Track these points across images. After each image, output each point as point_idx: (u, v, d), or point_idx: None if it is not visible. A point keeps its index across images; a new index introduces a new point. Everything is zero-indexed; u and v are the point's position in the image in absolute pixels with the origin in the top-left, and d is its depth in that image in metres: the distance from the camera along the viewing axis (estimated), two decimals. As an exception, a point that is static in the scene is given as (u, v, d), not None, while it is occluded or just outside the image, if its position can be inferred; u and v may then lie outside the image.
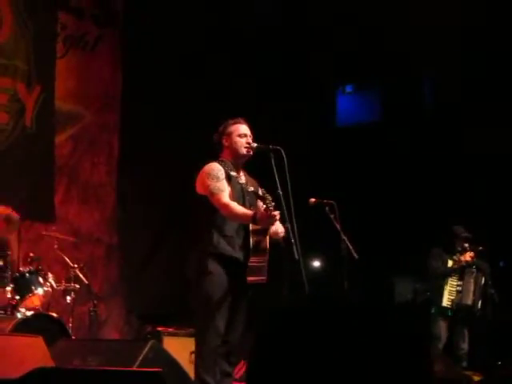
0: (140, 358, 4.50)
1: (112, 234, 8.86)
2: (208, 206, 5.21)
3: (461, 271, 8.22)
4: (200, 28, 9.04)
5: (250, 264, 5.18)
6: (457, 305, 8.17)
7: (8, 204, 7.23)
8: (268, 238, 5.25)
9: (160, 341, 7.17)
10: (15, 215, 6.69)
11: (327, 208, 5.93)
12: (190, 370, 5.48)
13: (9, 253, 6.80)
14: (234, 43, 9.18)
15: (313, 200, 5.99)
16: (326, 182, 8.74)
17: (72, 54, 8.86)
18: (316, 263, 9.76)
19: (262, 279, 5.22)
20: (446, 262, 8.24)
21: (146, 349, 4.53)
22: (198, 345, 5.28)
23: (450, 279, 8.24)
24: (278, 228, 5.26)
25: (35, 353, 4.28)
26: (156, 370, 3.37)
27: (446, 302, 8.20)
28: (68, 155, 8.71)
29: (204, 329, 5.17)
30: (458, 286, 8.20)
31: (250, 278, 5.16)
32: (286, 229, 5.17)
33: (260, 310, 5.25)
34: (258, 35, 9.18)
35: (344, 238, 5.86)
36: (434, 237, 8.30)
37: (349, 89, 10.32)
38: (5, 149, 8.12)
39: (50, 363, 4.27)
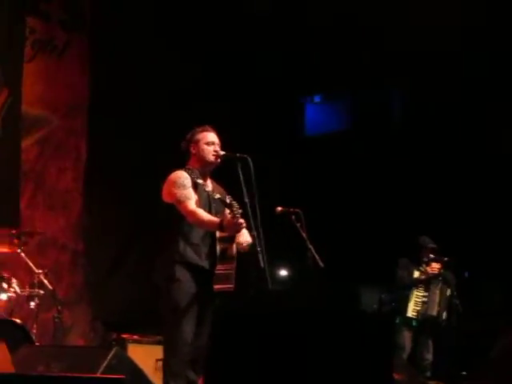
0: (103, 365, 4.47)
1: (78, 239, 8.80)
2: (174, 214, 5.21)
3: (427, 282, 8.27)
4: (168, 32, 9.03)
5: (216, 272, 5.18)
6: (422, 315, 8.23)
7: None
8: (235, 245, 5.25)
9: (125, 348, 7.13)
10: None
11: (293, 216, 5.94)
12: (156, 378, 5.46)
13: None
14: (201, 49, 9.18)
15: (279, 208, 5.99)
16: (293, 191, 8.76)
17: (40, 58, 8.80)
18: (282, 272, 9.77)
19: (230, 287, 5.21)
20: (413, 273, 8.29)
21: (110, 356, 4.50)
22: (165, 353, 5.26)
23: (416, 290, 8.29)
24: (244, 237, 5.26)
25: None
26: (119, 376, 3.35)
27: (411, 313, 8.25)
28: (34, 160, 8.64)
29: (172, 337, 5.15)
30: (423, 296, 8.26)
31: (216, 286, 5.15)
32: (253, 237, 5.17)
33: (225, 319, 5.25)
34: (228, 42, 9.20)
35: (310, 246, 5.86)
36: (400, 247, 8.35)
37: (317, 99, 10.37)
38: None
39: (11, 369, 4.23)
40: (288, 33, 9.12)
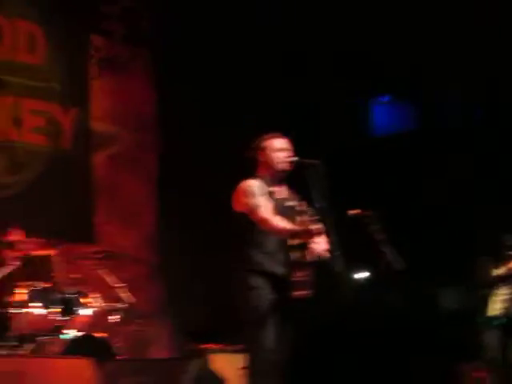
0: (187, 377, 4.51)
1: (154, 252, 8.88)
2: (247, 224, 5.20)
3: (509, 279, 8.10)
4: (231, 44, 9.04)
5: (293, 279, 5.16)
6: (506, 313, 8.06)
7: (48, 226, 7.32)
8: (310, 251, 5.23)
9: (207, 358, 7.17)
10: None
11: (367, 219, 5.88)
12: (240, 387, 5.48)
13: (53, 275, 6.87)
14: (260, 56, 9.16)
15: (352, 211, 5.94)
16: (363, 192, 8.67)
17: (106, 75, 8.95)
18: (360, 275, 9.68)
19: (307, 293, 5.20)
20: (493, 271, 8.13)
21: (193, 367, 4.54)
22: (248, 361, 5.26)
23: (498, 288, 8.13)
24: (319, 242, 5.23)
25: (83, 375, 4.30)
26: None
27: (493, 312, 8.09)
28: (107, 176, 8.76)
29: (253, 346, 5.15)
30: (506, 294, 8.09)
31: (294, 293, 5.14)
32: (329, 242, 5.14)
33: (306, 325, 5.24)
34: (293, 42, 9.14)
35: (386, 249, 5.80)
36: (479, 246, 8.20)
37: (385, 99, 10.26)
38: (44, 171, 8.20)
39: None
40: (355, 32, 9.04)
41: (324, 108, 9.42)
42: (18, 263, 6.44)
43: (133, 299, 7.02)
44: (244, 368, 5.57)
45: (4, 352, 5.74)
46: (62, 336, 6.26)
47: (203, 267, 8.64)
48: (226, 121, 8.86)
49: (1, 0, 8.17)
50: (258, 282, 5.15)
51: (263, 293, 5.12)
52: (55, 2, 8.53)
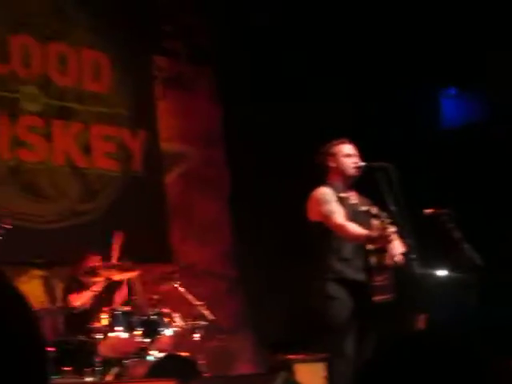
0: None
1: (232, 267, 8.91)
2: (323, 231, 5.19)
3: None
4: (299, 52, 8.98)
5: (373, 284, 5.12)
6: None
7: (125, 250, 7.40)
8: (387, 255, 5.18)
9: (292, 368, 7.14)
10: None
11: (443, 217, 5.78)
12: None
13: (134, 297, 6.94)
14: (330, 62, 9.08)
15: (428, 211, 5.85)
16: (437, 187, 8.53)
17: (171, 94, 9.02)
18: (440, 272, 9.51)
19: (388, 297, 5.15)
20: None
21: (278, 381, 4.51)
22: (329, 370, 5.25)
23: None
24: (396, 246, 5.17)
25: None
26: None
27: None
28: (179, 194, 8.83)
29: (334, 354, 5.14)
30: None
31: (376, 298, 5.10)
32: (406, 245, 5.09)
33: (387, 330, 5.17)
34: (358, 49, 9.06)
35: (465, 246, 5.69)
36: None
37: (452, 91, 10.09)
38: (117, 196, 8.30)
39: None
40: (422, 25, 8.92)
41: (391, 107, 9.31)
42: (99, 289, 6.52)
43: (214, 315, 7.03)
44: (326, 377, 5.55)
45: (91, 379, 5.81)
46: (146, 357, 6.30)
47: (281, 278, 8.61)
48: (293, 131, 8.82)
49: (65, 29, 8.30)
50: (337, 290, 5.14)
51: (341, 303, 5.10)
52: (117, 27, 8.64)
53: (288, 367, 6.99)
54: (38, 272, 7.59)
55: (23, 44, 7.99)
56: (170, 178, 8.83)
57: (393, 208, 5.07)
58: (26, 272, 7.53)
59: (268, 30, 8.96)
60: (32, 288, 7.42)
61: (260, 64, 8.93)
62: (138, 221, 8.15)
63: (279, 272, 8.54)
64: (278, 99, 8.84)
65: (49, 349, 5.94)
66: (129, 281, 7.08)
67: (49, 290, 7.51)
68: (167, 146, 8.86)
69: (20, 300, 1.03)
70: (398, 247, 5.19)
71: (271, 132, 8.78)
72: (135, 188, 8.41)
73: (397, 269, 5.22)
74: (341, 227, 5.13)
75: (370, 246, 5.16)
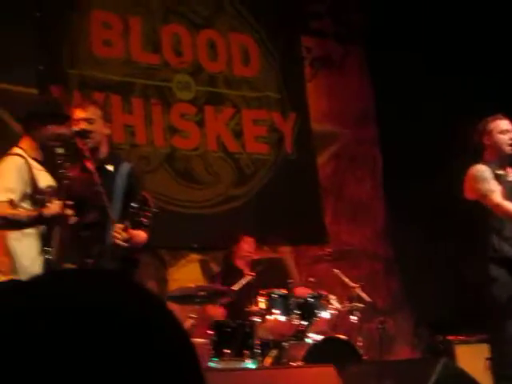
0: (433, 378, 4.39)
1: (387, 247, 8.81)
2: (482, 210, 5.05)
3: None
4: (450, 25, 8.72)
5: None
6: None
7: (280, 232, 7.46)
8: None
9: (452, 350, 7.00)
10: None
11: None
12: (486, 377, 5.31)
13: (290, 281, 6.98)
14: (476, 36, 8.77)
15: None
16: None
17: (320, 75, 8.99)
18: None
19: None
20: None
21: (439, 367, 4.40)
22: (492, 353, 5.12)
23: None
24: None
25: (328, 382, 4.31)
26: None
27: None
28: (332, 175, 8.80)
29: (497, 337, 5.00)
30: None
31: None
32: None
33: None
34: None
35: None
36: None
37: None
38: (269, 179, 8.35)
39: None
40: None
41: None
42: (255, 272, 6.59)
43: (371, 296, 6.97)
44: (489, 359, 5.40)
45: (250, 361, 5.88)
46: (304, 340, 6.32)
47: (437, 257, 8.44)
48: (447, 106, 8.58)
49: (213, 16, 8.42)
50: (497, 271, 4.99)
51: (504, 283, 4.95)
52: (263, 10, 8.69)
53: (448, 348, 6.87)
54: (195, 256, 7.77)
55: (174, 33, 8.16)
56: (322, 159, 8.82)
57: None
58: (184, 256, 7.73)
59: (419, 2, 8.74)
60: (190, 271, 7.61)
61: (411, 39, 8.73)
62: (291, 203, 8.19)
63: (435, 250, 8.37)
64: (429, 73, 8.63)
65: (209, 332, 6.08)
66: (285, 264, 7.13)
67: (206, 273, 7.67)
68: (318, 126, 8.85)
69: (167, 313, 1.02)
70: None
71: (423, 108, 8.58)
72: (287, 170, 8.44)
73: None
74: (498, 206, 4.98)
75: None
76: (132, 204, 4.59)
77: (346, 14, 9.22)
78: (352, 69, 9.10)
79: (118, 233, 4.58)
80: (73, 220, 4.55)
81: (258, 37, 8.65)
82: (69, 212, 4.48)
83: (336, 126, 8.97)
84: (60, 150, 4.65)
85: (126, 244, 4.61)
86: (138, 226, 4.66)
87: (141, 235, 4.82)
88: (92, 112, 5.05)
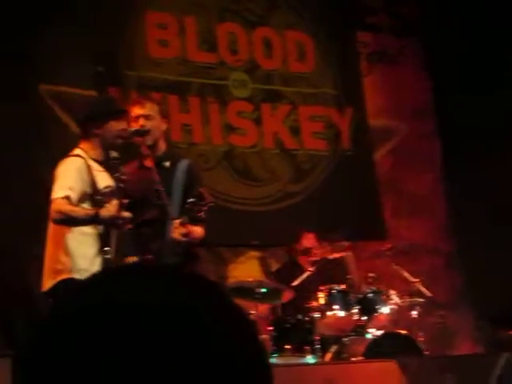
0: (495, 373, 4.35)
1: (448, 241, 8.71)
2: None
3: None
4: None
5: None
6: None
7: (339, 228, 7.44)
8: None
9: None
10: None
11: None
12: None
13: (349, 276, 6.97)
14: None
15: None
16: None
17: (377, 69, 8.94)
18: None
19: None
20: None
21: (502, 362, 4.36)
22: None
23: None
24: None
25: (390, 377, 4.30)
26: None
27: None
28: (390, 170, 8.74)
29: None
30: None
31: None
32: None
33: None
34: None
35: None
36: None
37: None
38: (327, 176, 8.34)
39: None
40: None
41: None
42: (314, 268, 6.59)
43: (431, 291, 6.91)
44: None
45: (310, 357, 5.89)
46: (364, 335, 6.31)
47: (500, 251, 8.32)
48: (507, 98, 8.45)
49: (268, 13, 8.44)
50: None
51: None
52: (317, 5, 8.68)
53: (511, 344, 6.77)
54: (254, 253, 7.80)
55: (230, 32, 8.20)
56: (380, 154, 8.77)
57: None
58: (243, 253, 7.76)
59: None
60: (249, 268, 7.64)
61: (468, 31, 8.62)
62: (349, 199, 8.17)
63: (498, 244, 8.25)
64: (488, 65, 8.52)
65: (268, 328, 6.11)
66: (343, 259, 7.11)
67: (265, 270, 7.69)
68: (375, 121, 8.80)
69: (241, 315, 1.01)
70: None
71: (482, 100, 8.46)
72: (345, 166, 8.42)
73: None
74: None
75: None
76: (189, 200, 4.63)
77: (402, 7, 9.14)
78: (408, 62, 9.02)
79: (177, 228, 4.63)
80: (128, 224, 4.60)
81: (313, 33, 8.64)
82: (125, 214, 4.53)
83: (393, 121, 8.91)
84: (114, 154, 4.73)
85: (184, 239, 4.66)
86: (195, 220, 4.70)
87: (198, 230, 4.87)
88: (149, 108, 5.12)
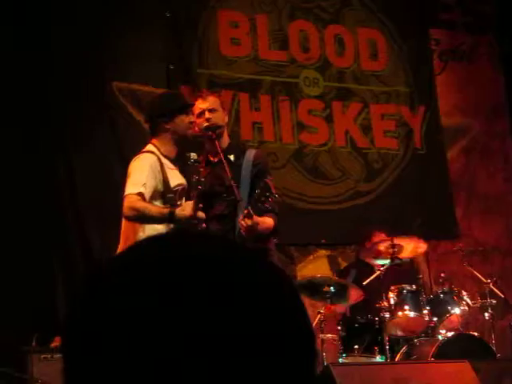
0: None
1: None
2: None
3: None
4: None
5: None
6: None
7: (410, 227, 7.36)
8: None
9: None
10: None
11: None
12: None
13: (420, 276, 6.88)
14: None
15: None
16: None
17: (450, 67, 8.82)
18: None
19: None
20: None
21: None
22: None
23: None
24: None
25: (462, 378, 4.23)
26: None
27: None
28: (462, 169, 8.62)
29: None
30: None
31: None
32: None
33: None
34: None
35: None
36: None
37: None
38: (399, 174, 8.26)
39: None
40: None
41: None
42: (384, 268, 6.52)
43: (504, 293, 6.78)
44: None
45: (380, 357, 5.85)
46: (435, 336, 6.22)
47: None
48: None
49: (339, 11, 8.39)
50: None
51: None
52: (391, 4, 8.60)
53: None
54: (323, 251, 7.77)
55: (301, 30, 8.18)
56: (452, 153, 8.65)
57: None
58: (312, 252, 7.74)
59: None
60: (318, 267, 7.61)
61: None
62: (421, 198, 8.09)
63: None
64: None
65: (337, 327, 6.07)
66: (415, 259, 7.03)
67: (334, 268, 7.65)
68: (448, 120, 8.68)
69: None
70: None
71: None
72: (417, 165, 8.32)
73: None
74: None
75: None
76: (255, 191, 4.61)
77: (476, 3, 9.00)
78: (482, 60, 8.89)
79: (243, 220, 4.59)
80: (203, 224, 4.58)
81: (385, 30, 8.56)
82: (200, 214, 4.52)
83: (466, 120, 8.77)
84: (194, 156, 4.74)
85: (251, 230, 4.59)
86: (262, 211, 4.66)
87: (266, 221, 4.81)
88: (212, 101, 5.15)
